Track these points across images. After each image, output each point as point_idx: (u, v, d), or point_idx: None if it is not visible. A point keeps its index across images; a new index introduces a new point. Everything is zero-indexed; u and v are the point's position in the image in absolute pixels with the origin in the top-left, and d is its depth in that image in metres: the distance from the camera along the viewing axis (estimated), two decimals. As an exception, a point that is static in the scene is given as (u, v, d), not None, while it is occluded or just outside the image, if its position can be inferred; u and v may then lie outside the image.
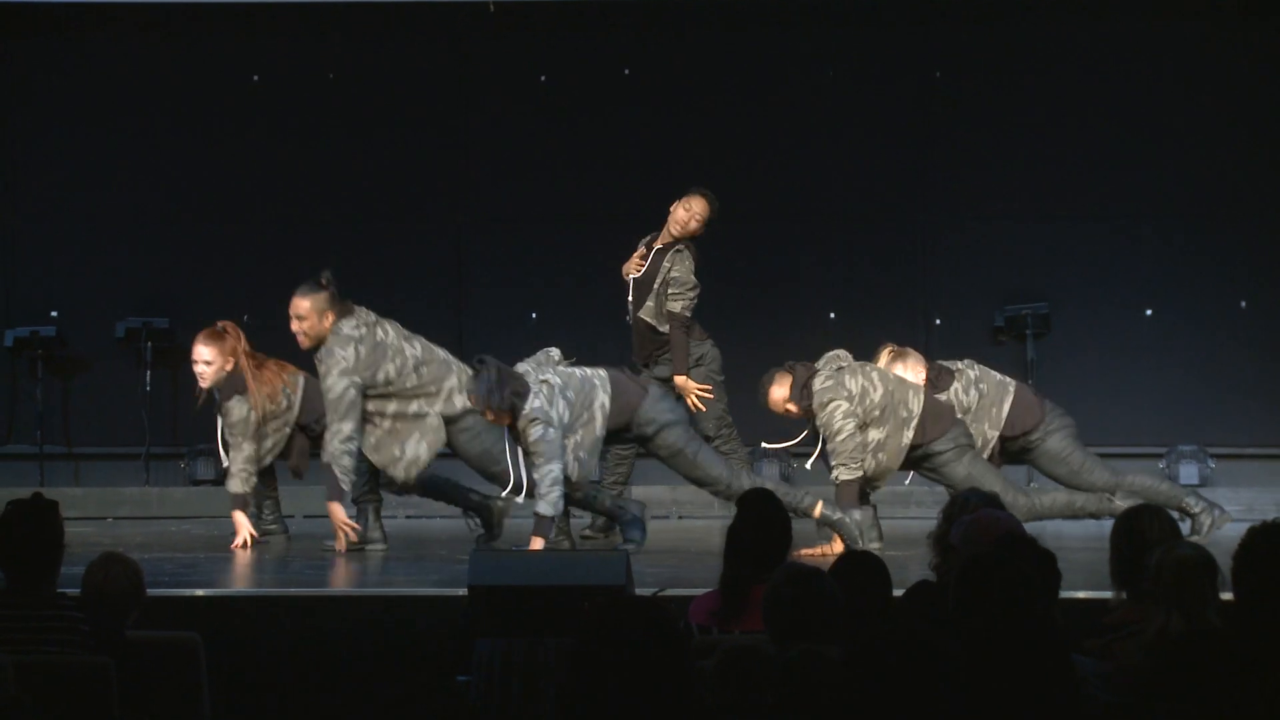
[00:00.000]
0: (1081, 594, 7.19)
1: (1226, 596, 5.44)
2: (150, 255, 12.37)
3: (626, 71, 12.39)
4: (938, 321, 10.96)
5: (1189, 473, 11.51)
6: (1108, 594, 6.23)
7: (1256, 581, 5.02)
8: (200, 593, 8.18)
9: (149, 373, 12.22)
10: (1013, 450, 9.77)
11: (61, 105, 12.46)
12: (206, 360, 9.77)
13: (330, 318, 9.47)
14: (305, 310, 9.48)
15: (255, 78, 12.45)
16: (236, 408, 9.73)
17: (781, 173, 11.88)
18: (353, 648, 7.60)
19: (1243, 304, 11.72)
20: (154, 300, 12.34)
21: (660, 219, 9.93)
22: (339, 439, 9.34)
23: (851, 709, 3.90)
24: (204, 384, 9.80)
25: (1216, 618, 5.27)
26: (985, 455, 9.60)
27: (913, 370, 9.58)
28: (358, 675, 7.34)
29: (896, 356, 9.65)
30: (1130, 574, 5.83)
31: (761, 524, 6.56)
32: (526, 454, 9.19)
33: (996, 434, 9.69)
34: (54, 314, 12.42)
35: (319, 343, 9.48)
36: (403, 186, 12.19)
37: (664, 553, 9.68)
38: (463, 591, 7.15)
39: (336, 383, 9.35)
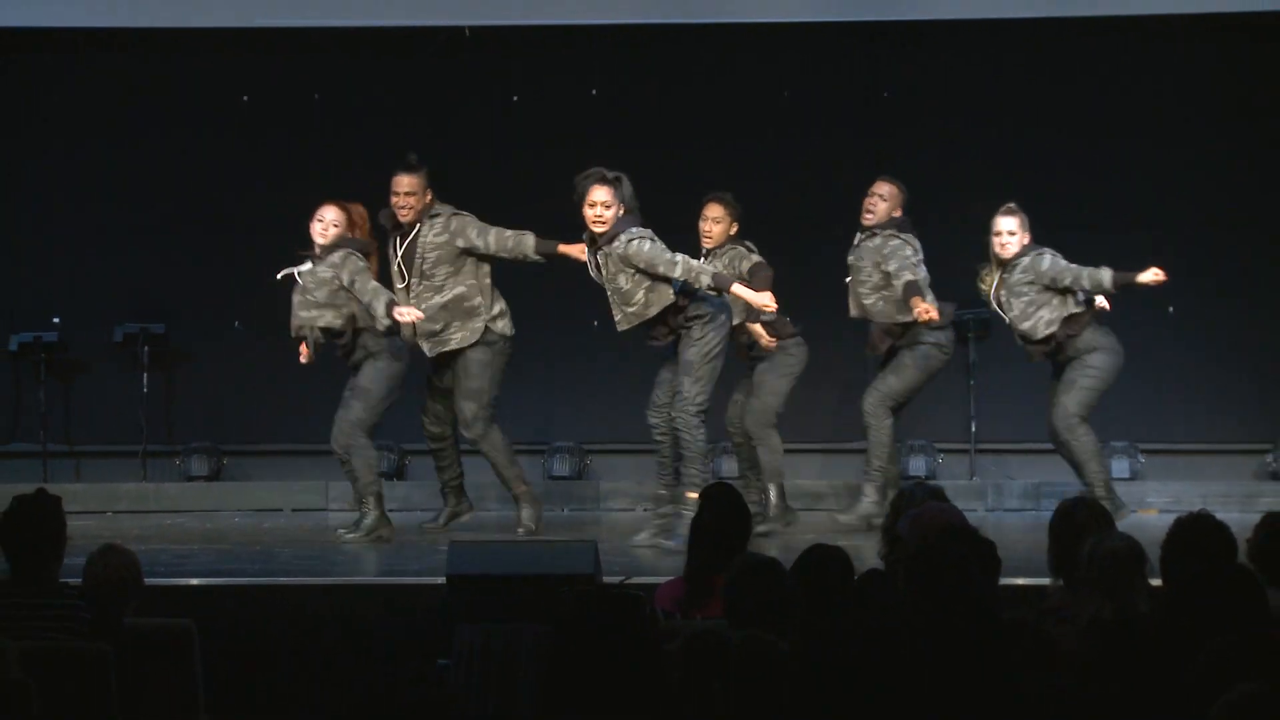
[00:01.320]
0: (1020, 581, 7.21)
1: (1156, 583, 5.47)
2: (146, 264, 12.35)
3: (594, 92, 12.39)
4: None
5: (1120, 467, 11.56)
6: (1046, 581, 6.25)
7: (1182, 570, 5.04)
8: (194, 582, 8.18)
9: (145, 375, 12.20)
10: None
11: (64, 123, 12.43)
12: (333, 221, 9.86)
13: (430, 194, 9.84)
14: (413, 186, 9.82)
15: (245, 97, 12.43)
16: (354, 260, 9.80)
17: (738, 189, 11.86)
18: (338, 633, 7.59)
19: (1170, 309, 11.76)
20: (150, 307, 12.31)
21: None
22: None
23: (801, 691, 3.92)
24: (322, 240, 9.86)
25: (1146, 604, 5.28)
26: None
27: None
28: (342, 659, 7.33)
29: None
30: (1065, 562, 5.84)
31: (723, 516, 6.58)
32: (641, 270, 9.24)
33: None
34: (56, 320, 12.38)
35: (419, 216, 9.81)
36: (384, 200, 12.16)
37: (630, 543, 9.69)
38: (442, 580, 7.14)
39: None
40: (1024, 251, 9.74)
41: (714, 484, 7.09)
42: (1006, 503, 11.38)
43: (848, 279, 10.11)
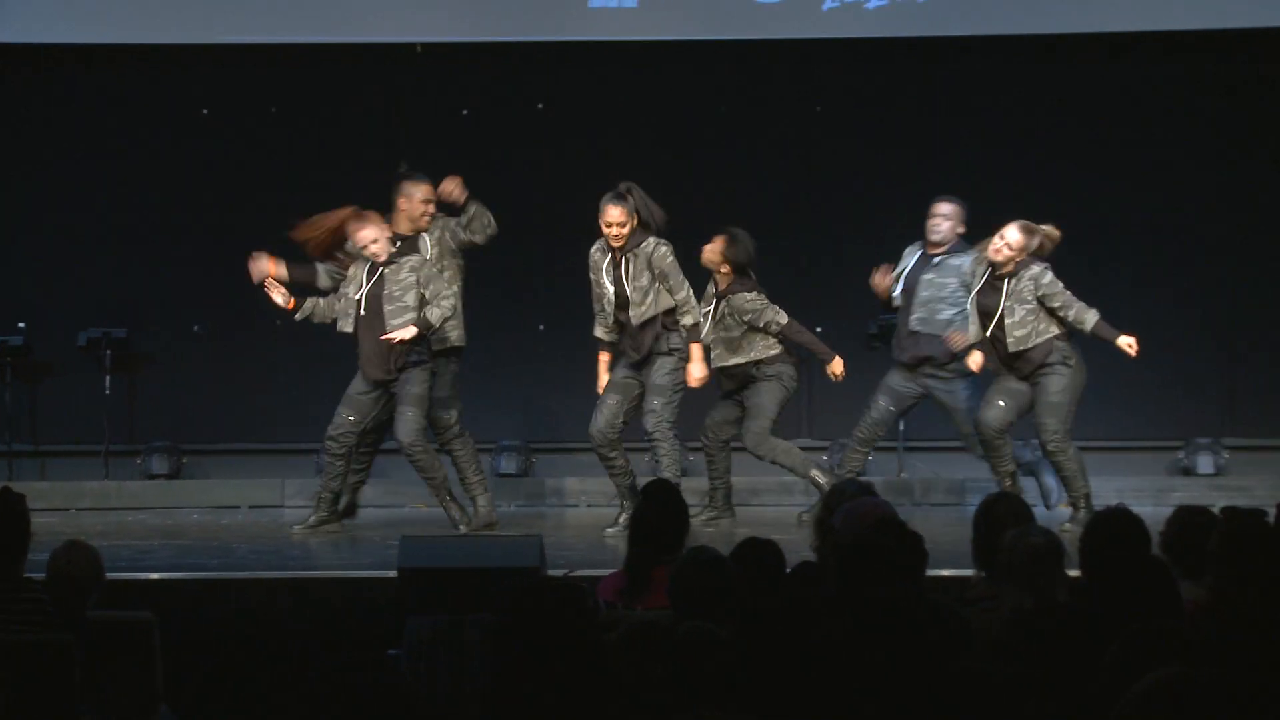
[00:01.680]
0: (946, 572, 7.24)
1: (1075, 574, 5.49)
2: (109, 271, 12.29)
3: (540, 106, 12.39)
4: (819, 329, 10.98)
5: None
6: (969, 572, 6.27)
7: (1100, 561, 5.06)
8: (154, 576, 8.14)
9: (108, 377, 12.14)
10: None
11: (28, 133, 12.36)
12: (373, 239, 9.71)
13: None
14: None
15: (205, 110, 12.39)
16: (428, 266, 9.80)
17: (680, 199, 11.89)
18: (293, 625, 7.57)
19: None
20: (113, 311, 12.25)
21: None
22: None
23: (740, 678, 3.92)
24: (380, 258, 9.71)
25: (1064, 595, 5.30)
26: None
27: None
28: (297, 650, 7.31)
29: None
30: (987, 555, 5.86)
31: (662, 511, 6.59)
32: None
33: None
34: (21, 325, 12.31)
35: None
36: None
37: (574, 537, 9.70)
38: (393, 573, 7.13)
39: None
40: (1026, 263, 9.72)
41: (653, 481, 7.11)
42: (933, 497, 11.43)
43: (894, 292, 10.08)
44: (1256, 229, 11.98)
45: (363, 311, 9.69)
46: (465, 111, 12.39)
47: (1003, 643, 4.58)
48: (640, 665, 4.44)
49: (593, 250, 9.84)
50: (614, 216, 9.66)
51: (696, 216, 11.93)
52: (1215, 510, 5.83)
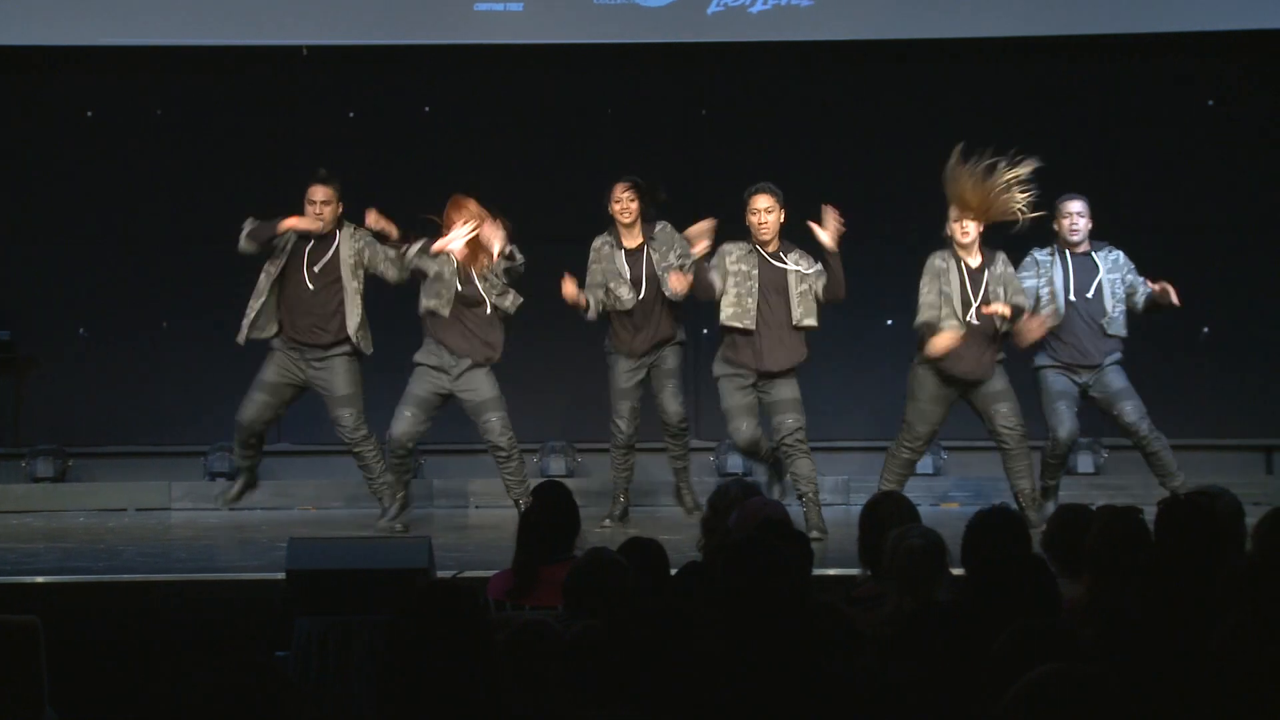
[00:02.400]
0: (832, 571, 7.28)
1: (959, 572, 5.54)
2: (-8, 273, 12.16)
3: (427, 109, 12.36)
4: (704, 331, 11.01)
5: (924, 463, 11.70)
6: (855, 571, 6.32)
7: (981, 559, 5.11)
8: (40, 579, 8.06)
9: (-8, 380, 12.02)
10: None
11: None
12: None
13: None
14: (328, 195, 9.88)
15: (89, 113, 12.27)
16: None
17: (565, 201, 11.91)
18: (180, 628, 7.51)
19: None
20: (-4, 314, 12.13)
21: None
22: None
23: (613, 675, 3.93)
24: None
25: (946, 594, 5.34)
26: None
27: None
28: (185, 653, 7.25)
29: None
30: (873, 554, 5.91)
31: (551, 512, 6.60)
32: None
33: None
34: (-98, 327, 12.15)
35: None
36: (224, 212, 12.08)
37: (462, 538, 9.69)
38: (281, 575, 7.09)
39: None
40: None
41: (544, 482, 7.11)
42: (819, 497, 11.44)
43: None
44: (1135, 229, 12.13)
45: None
46: (352, 114, 12.34)
47: (885, 642, 4.62)
48: (527, 665, 4.44)
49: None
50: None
51: (583, 218, 11.95)
52: (1093, 508, 5.90)
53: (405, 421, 9.80)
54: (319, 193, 9.97)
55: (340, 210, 10.05)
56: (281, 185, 11.96)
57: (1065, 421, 9.84)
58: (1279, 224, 12.15)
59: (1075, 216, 9.90)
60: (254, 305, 9.94)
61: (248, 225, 9.98)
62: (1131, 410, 9.88)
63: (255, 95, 12.28)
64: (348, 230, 10.03)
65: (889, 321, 11.77)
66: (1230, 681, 3.74)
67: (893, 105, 12.20)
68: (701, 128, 12.31)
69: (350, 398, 9.91)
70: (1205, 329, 12.20)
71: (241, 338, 10.00)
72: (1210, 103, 12.24)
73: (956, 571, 5.58)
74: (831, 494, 11.46)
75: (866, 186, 11.88)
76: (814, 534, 9.39)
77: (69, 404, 12.16)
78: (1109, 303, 9.90)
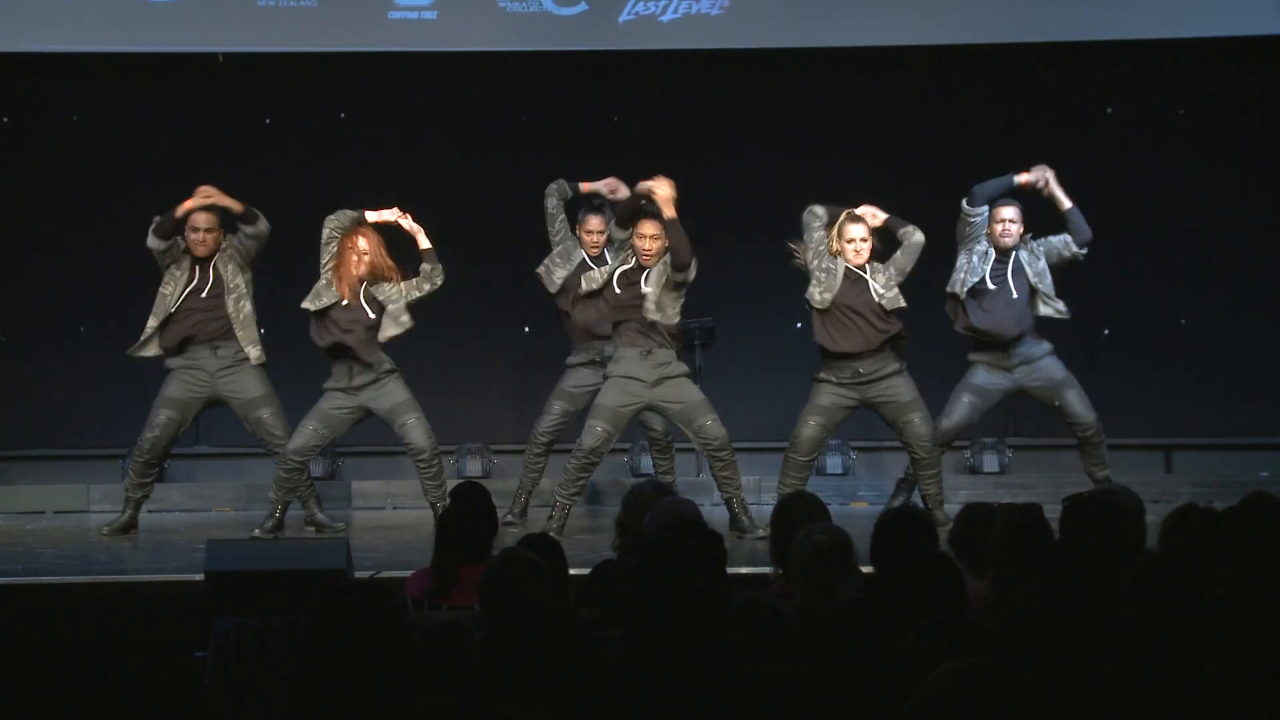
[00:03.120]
0: (744, 569, 7.30)
1: (869, 570, 5.56)
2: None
3: (342, 115, 12.31)
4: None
5: (834, 463, 11.80)
6: (767, 569, 6.33)
7: (889, 557, 5.13)
8: (-42, 583, 7.97)
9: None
10: None
11: None
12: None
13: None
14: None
15: (5, 119, 12.17)
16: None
17: (481, 206, 11.92)
18: (99, 629, 7.45)
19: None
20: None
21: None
22: None
23: (495, 675, 3.94)
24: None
25: (853, 591, 5.35)
26: None
27: None
28: (103, 654, 7.19)
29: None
30: (783, 552, 5.92)
31: (469, 512, 6.60)
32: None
33: None
34: None
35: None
36: (140, 217, 11.99)
37: (379, 539, 9.66)
38: (200, 576, 7.04)
39: None
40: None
41: (463, 483, 7.10)
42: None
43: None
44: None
45: None
46: (268, 121, 12.28)
47: (792, 640, 4.63)
48: (442, 664, 4.43)
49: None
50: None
51: (496, 224, 11.96)
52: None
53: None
54: (202, 219, 9.85)
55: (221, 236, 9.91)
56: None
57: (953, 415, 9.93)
58: (1178, 228, 12.28)
59: (1008, 223, 9.93)
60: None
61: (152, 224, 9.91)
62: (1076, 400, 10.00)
63: (172, 101, 12.21)
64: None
65: (798, 325, 11.81)
66: (1131, 675, 3.77)
67: (800, 112, 12.25)
68: (613, 135, 12.32)
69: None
70: (1106, 330, 12.31)
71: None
72: (1109, 110, 12.35)
73: (866, 569, 5.60)
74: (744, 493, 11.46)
75: (777, 192, 11.91)
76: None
77: (-13, 407, 12.05)
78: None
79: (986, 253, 9.82)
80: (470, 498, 6.68)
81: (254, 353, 9.83)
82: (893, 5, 11.83)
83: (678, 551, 4.75)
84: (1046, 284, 9.87)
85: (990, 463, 11.94)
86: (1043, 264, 9.86)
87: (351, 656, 3.87)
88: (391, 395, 9.66)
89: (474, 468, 11.82)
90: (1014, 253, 9.82)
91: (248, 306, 9.84)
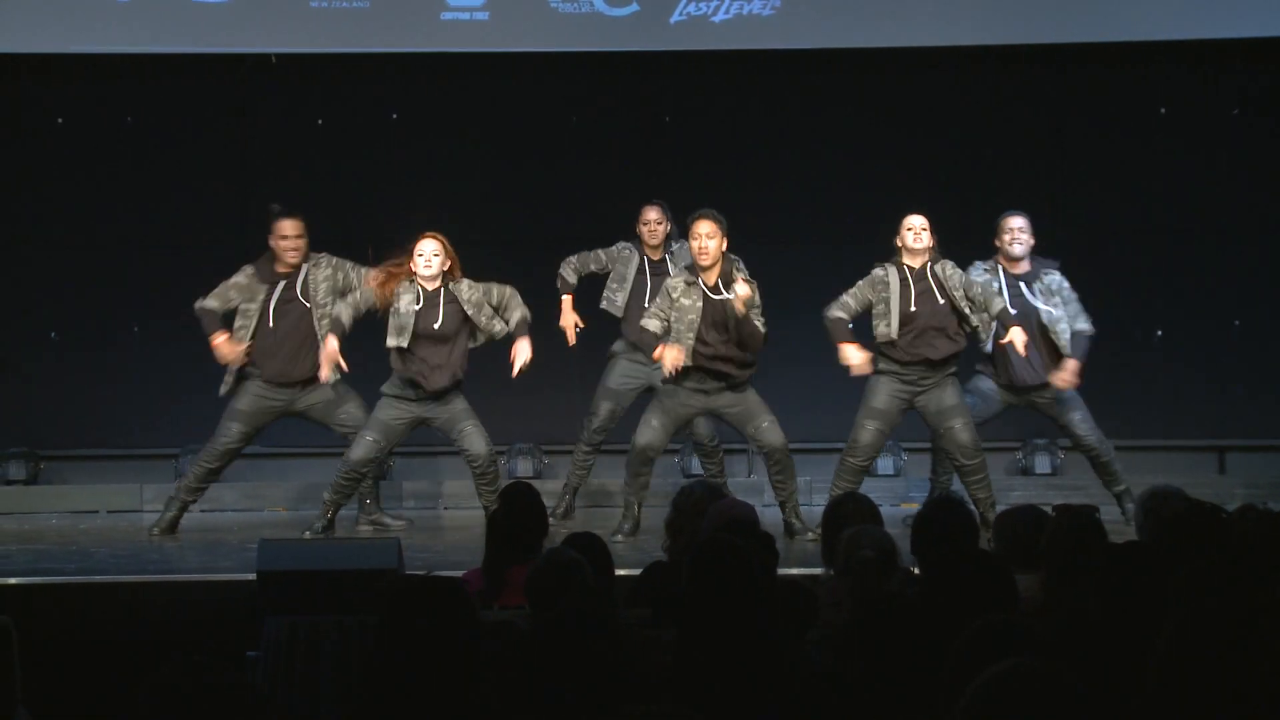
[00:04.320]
0: (795, 571, 7.29)
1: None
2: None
3: (394, 116, 12.33)
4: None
5: (885, 464, 11.75)
6: (819, 571, 6.32)
7: (932, 552, 5.11)
8: (12, 581, 8.02)
9: (-35, 384, 11.97)
10: None
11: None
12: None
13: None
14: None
15: (60, 120, 12.23)
16: None
17: (533, 207, 11.93)
18: (151, 629, 7.49)
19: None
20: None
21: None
22: None
23: (540, 675, 3.92)
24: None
25: (899, 593, 5.34)
26: None
27: None
28: (156, 653, 7.22)
29: None
30: (834, 554, 5.92)
31: (519, 513, 6.61)
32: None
33: None
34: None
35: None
36: (193, 217, 12.05)
37: (431, 539, 9.68)
38: (252, 576, 7.07)
39: None
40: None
41: (512, 483, 7.11)
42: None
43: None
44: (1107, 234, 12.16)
45: None
46: (320, 121, 12.32)
47: (841, 644, 4.63)
48: (496, 665, 4.44)
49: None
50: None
51: (547, 226, 11.96)
52: (1049, 509, 5.92)
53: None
54: (289, 227, 9.87)
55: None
56: (249, 192, 11.96)
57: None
58: (1230, 227, 12.20)
59: (1017, 231, 9.90)
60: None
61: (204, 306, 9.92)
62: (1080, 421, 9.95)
63: (224, 103, 12.25)
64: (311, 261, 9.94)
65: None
66: (1183, 678, 3.75)
67: (857, 113, 12.22)
68: (664, 136, 12.31)
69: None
70: (1159, 331, 12.25)
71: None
72: (1162, 110, 12.29)
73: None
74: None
75: (830, 194, 11.91)
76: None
77: (40, 407, 12.11)
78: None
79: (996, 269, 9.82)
80: (520, 498, 6.69)
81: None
82: (948, 5, 11.79)
83: (730, 552, 4.75)
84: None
85: (1042, 464, 11.90)
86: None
87: (420, 655, 3.86)
88: (450, 405, 9.66)
89: (525, 468, 11.84)
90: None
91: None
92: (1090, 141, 12.24)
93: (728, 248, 9.42)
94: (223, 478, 11.02)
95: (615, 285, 10.29)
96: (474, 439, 9.61)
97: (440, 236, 9.57)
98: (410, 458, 11.87)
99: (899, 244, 9.58)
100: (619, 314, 10.27)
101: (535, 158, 12.20)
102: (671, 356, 9.14)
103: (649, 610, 5.63)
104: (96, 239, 12.16)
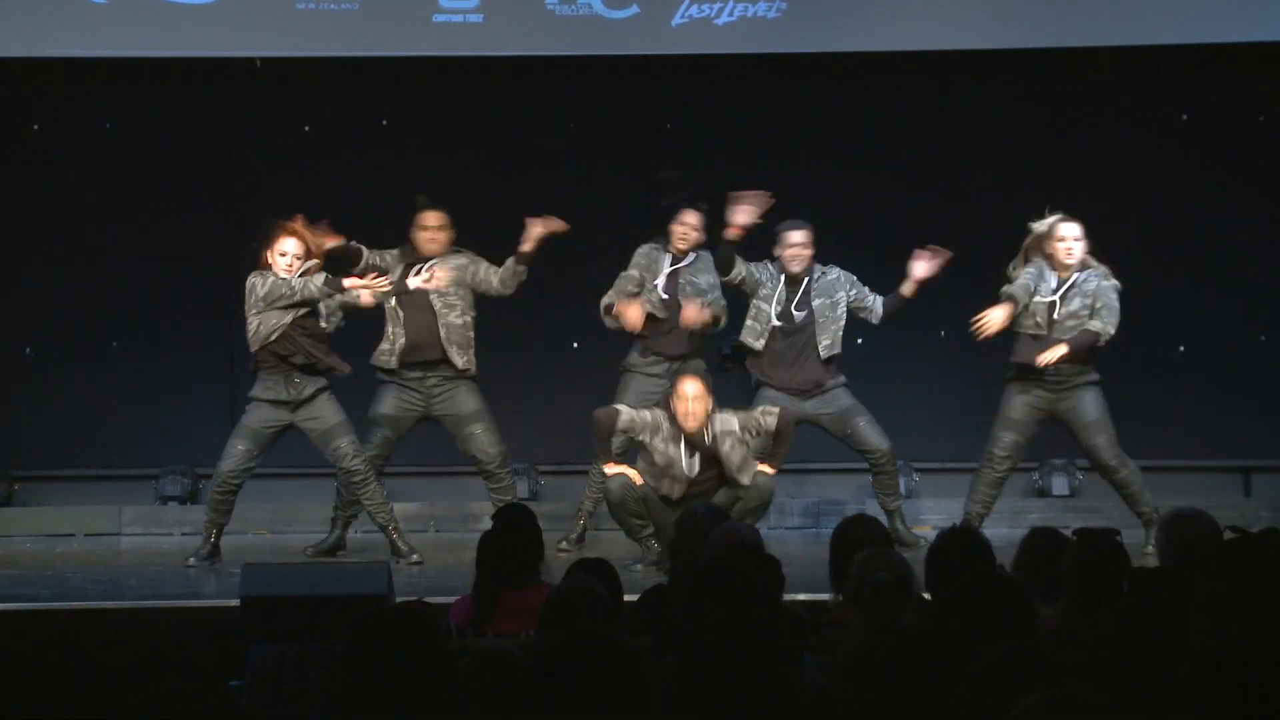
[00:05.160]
0: (802, 596, 7.28)
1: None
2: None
3: (385, 123, 12.34)
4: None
5: (902, 485, 11.74)
6: (826, 596, 6.32)
7: (946, 581, 5.11)
8: (-14, 608, 8.01)
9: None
10: None
11: None
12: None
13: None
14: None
15: (35, 127, 12.24)
16: None
17: (530, 215, 11.93)
18: (130, 657, 7.48)
19: (941, 333, 11.92)
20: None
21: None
22: None
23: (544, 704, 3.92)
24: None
25: (914, 619, 5.34)
26: None
27: None
28: (136, 682, 7.21)
29: None
30: (843, 579, 5.91)
31: (510, 536, 6.58)
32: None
33: None
34: None
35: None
36: (176, 229, 12.05)
37: (423, 562, 9.67)
38: (236, 602, 7.07)
39: None
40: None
41: (506, 505, 7.10)
42: (788, 521, 11.47)
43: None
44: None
45: None
46: (307, 128, 12.32)
47: (852, 670, 4.62)
48: (489, 694, 4.43)
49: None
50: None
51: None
52: (1068, 531, 5.91)
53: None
54: (432, 218, 10.11)
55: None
56: (234, 202, 11.97)
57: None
58: (1254, 243, 12.21)
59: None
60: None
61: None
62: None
63: (207, 109, 12.26)
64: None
65: (858, 340, 11.81)
66: (1201, 708, 3.75)
67: (861, 118, 12.23)
68: (666, 142, 12.32)
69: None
70: (1181, 348, 12.25)
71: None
72: (1184, 117, 12.31)
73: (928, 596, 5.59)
74: (801, 517, 11.47)
75: (835, 200, 11.90)
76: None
77: (15, 426, 12.11)
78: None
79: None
80: (514, 520, 6.66)
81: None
82: (955, 8, 11.79)
83: (734, 577, 4.75)
84: None
85: (1060, 485, 11.89)
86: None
87: (393, 685, 3.86)
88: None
89: (520, 489, 11.82)
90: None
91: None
92: (1106, 149, 12.24)
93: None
94: (202, 500, 11.03)
95: (650, 289, 10.29)
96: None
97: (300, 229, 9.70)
98: (400, 479, 11.86)
99: (1049, 253, 9.73)
100: (661, 314, 10.24)
101: (531, 165, 12.20)
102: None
103: (649, 636, 5.63)
104: (74, 251, 12.15)
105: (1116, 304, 9.79)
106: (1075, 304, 9.76)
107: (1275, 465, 12.14)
